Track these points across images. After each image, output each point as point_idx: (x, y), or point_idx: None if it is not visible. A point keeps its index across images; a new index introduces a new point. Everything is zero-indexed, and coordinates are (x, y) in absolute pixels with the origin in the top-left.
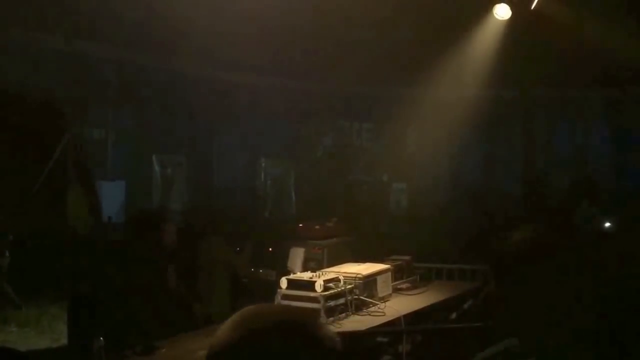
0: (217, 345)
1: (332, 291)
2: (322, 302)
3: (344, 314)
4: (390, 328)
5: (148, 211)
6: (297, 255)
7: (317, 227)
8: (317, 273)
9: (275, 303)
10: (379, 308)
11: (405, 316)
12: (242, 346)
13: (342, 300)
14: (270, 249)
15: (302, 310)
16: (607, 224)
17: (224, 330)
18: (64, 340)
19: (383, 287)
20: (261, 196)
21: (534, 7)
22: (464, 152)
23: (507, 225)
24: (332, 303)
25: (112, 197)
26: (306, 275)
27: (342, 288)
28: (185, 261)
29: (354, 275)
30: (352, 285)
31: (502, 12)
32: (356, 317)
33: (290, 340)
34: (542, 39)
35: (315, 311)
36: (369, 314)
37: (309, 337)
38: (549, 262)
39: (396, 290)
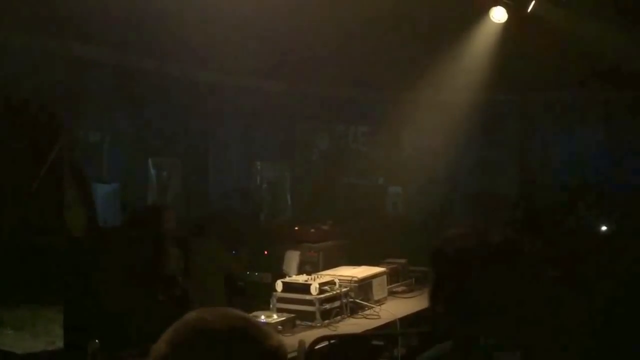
0: (156, 356)
1: (327, 294)
2: (317, 305)
3: (339, 317)
4: (386, 331)
5: (146, 205)
6: (293, 258)
7: (312, 230)
8: (313, 276)
9: (222, 308)
10: (374, 311)
11: (401, 319)
12: (179, 356)
13: (337, 303)
14: (266, 252)
15: (245, 318)
16: (604, 227)
17: (162, 339)
18: (59, 343)
19: (378, 290)
20: (257, 199)
21: (531, 10)
22: (460, 156)
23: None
24: (327, 306)
25: (107, 199)
26: (301, 278)
27: (338, 291)
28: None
29: (350, 278)
30: (348, 288)
31: (499, 15)
32: (352, 320)
33: (230, 350)
34: (538, 42)
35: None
36: (365, 317)
37: (251, 346)
38: (488, 264)
39: (392, 293)
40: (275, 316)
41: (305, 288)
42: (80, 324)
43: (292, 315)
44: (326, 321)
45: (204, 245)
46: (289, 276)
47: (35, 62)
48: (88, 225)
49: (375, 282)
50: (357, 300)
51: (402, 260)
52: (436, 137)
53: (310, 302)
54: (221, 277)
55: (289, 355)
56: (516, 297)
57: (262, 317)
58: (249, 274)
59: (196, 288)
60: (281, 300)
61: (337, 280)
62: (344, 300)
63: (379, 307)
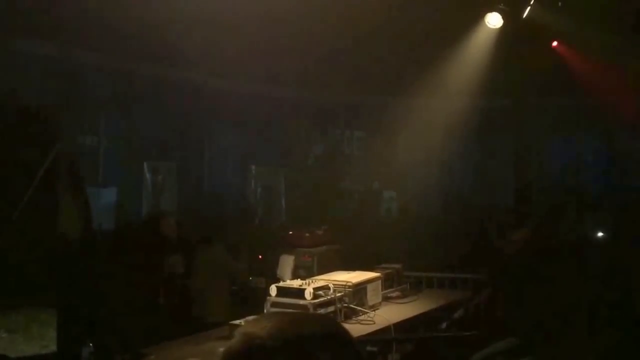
0: (265, 339)
1: (321, 299)
2: (311, 310)
3: None
4: (380, 337)
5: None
6: (287, 262)
7: (307, 234)
8: (307, 281)
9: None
10: (368, 316)
11: (395, 325)
12: (292, 347)
13: (331, 309)
14: (260, 257)
15: (336, 322)
16: (600, 234)
17: (268, 327)
18: (53, 347)
19: (373, 295)
20: (251, 204)
21: (526, 16)
22: (455, 161)
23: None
24: (321, 311)
25: (103, 203)
26: (296, 283)
27: (332, 296)
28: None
29: (344, 283)
30: (342, 294)
31: (494, 20)
32: (346, 326)
33: (336, 349)
34: (533, 48)
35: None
36: (359, 323)
37: (352, 348)
38: (553, 264)
39: (386, 298)
40: None
41: (299, 293)
42: (74, 327)
43: None
44: None
45: (211, 253)
46: (283, 281)
47: (31, 66)
48: (83, 229)
49: (369, 287)
50: (352, 306)
51: (397, 266)
52: (431, 142)
53: (304, 307)
54: (226, 283)
55: None
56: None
57: None
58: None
59: (201, 293)
60: (275, 305)
61: (331, 285)
62: (338, 306)
63: (373, 312)
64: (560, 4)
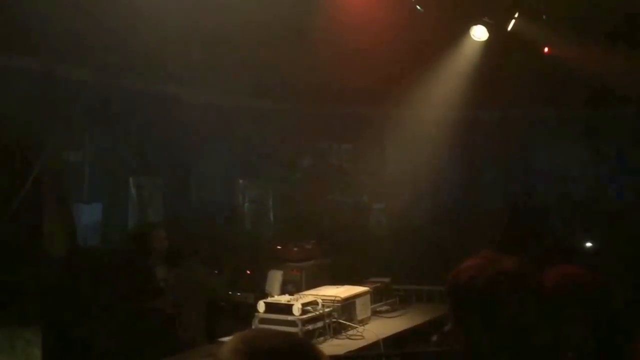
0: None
1: (310, 314)
2: (300, 325)
3: (322, 338)
4: (369, 352)
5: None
6: (275, 277)
7: (295, 248)
8: (295, 296)
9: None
10: (357, 331)
11: (385, 340)
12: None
13: (320, 324)
14: (249, 272)
15: (300, 338)
16: (589, 243)
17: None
18: None
19: (362, 309)
20: (239, 218)
21: (511, 28)
22: (444, 172)
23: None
24: (310, 327)
25: (88, 219)
26: (284, 299)
27: (321, 311)
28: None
29: (333, 298)
30: (331, 309)
31: (479, 33)
32: (335, 341)
33: None
34: (519, 60)
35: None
36: (348, 338)
37: None
38: (520, 294)
39: (375, 313)
40: None
41: (287, 308)
42: (60, 346)
43: None
44: None
45: (189, 269)
46: (272, 296)
47: (15, 81)
48: (68, 246)
49: (358, 301)
50: (341, 321)
51: (386, 279)
52: (419, 154)
53: (292, 323)
54: (204, 299)
55: None
56: (536, 328)
57: None
58: (231, 294)
59: (179, 310)
60: (263, 321)
61: (320, 300)
62: (327, 321)
63: (362, 327)
64: (544, 17)
